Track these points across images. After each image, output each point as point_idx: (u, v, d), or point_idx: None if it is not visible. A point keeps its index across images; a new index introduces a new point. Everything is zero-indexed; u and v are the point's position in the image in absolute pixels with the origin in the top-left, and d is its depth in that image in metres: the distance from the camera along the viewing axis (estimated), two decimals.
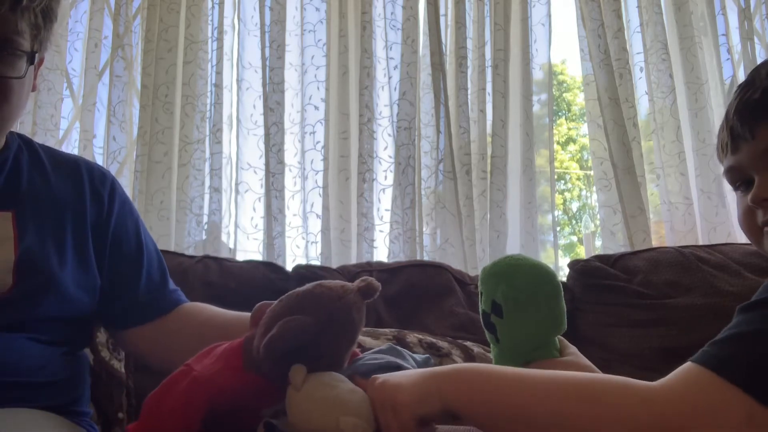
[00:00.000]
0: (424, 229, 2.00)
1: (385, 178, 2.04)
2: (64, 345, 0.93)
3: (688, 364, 0.62)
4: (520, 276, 0.85)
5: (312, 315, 0.71)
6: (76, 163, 1.04)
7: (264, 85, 1.99)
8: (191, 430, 0.70)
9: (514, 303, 0.84)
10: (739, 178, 0.76)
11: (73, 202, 0.98)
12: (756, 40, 2.11)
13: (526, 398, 0.64)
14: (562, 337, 0.91)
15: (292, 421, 0.69)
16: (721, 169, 0.79)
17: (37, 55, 0.90)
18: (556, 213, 2.17)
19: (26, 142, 1.00)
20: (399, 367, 0.78)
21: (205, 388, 0.71)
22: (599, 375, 0.66)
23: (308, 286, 0.76)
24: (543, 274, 0.87)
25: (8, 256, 0.87)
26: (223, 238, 1.98)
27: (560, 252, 2.45)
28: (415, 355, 0.86)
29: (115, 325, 1.04)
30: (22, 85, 0.88)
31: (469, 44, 2.07)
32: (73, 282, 0.93)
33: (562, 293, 0.88)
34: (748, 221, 0.75)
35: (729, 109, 0.76)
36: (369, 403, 0.69)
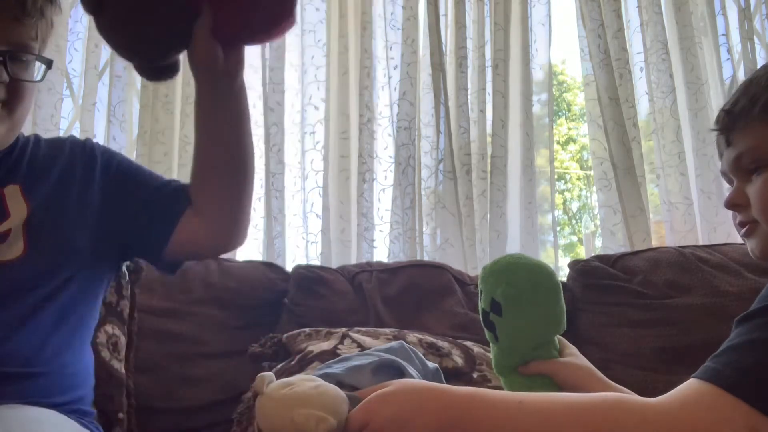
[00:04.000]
0: (424, 229, 2.00)
1: (385, 178, 2.04)
2: (77, 325, 0.96)
3: (688, 380, 0.62)
4: (520, 274, 0.85)
5: None
6: (60, 140, 1.09)
7: (264, 85, 1.99)
8: None
9: (514, 301, 0.84)
10: (729, 181, 0.79)
11: (70, 170, 1.02)
12: (756, 40, 2.11)
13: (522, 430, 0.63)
14: (561, 337, 0.91)
15: (259, 426, 0.68)
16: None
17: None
18: (556, 213, 2.17)
19: (28, 138, 1.05)
20: (399, 369, 0.77)
21: None
22: (594, 397, 0.65)
23: None
24: (543, 273, 0.87)
25: (21, 223, 0.92)
26: None
27: (560, 252, 2.45)
28: (428, 363, 0.86)
29: (166, 231, 1.02)
30: (35, 88, 0.96)
31: (469, 44, 2.07)
32: (83, 240, 0.97)
33: (562, 293, 0.88)
34: (735, 221, 0.79)
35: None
36: (338, 398, 0.68)
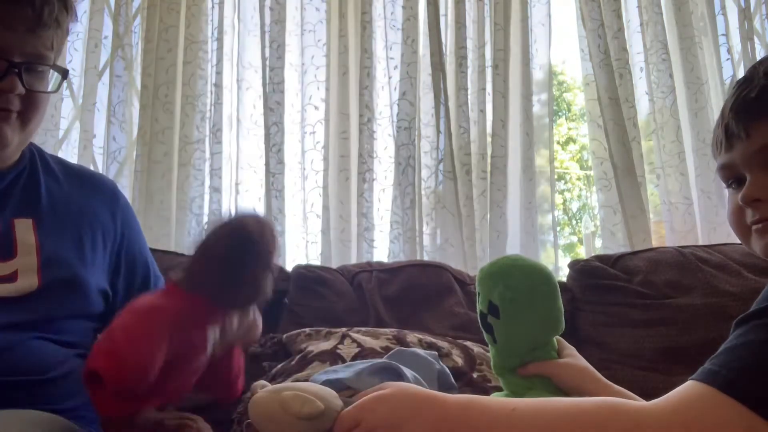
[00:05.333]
0: (424, 229, 2.00)
1: (385, 178, 2.04)
2: (78, 347, 0.96)
3: (686, 383, 0.61)
4: (517, 276, 0.85)
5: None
6: (85, 173, 1.09)
7: (264, 85, 1.99)
8: (157, 356, 0.69)
9: (511, 304, 0.84)
10: (731, 176, 0.75)
11: (87, 209, 1.02)
12: (756, 40, 2.11)
13: None
14: (560, 338, 0.91)
15: (251, 420, 0.70)
16: None
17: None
18: (556, 213, 2.17)
19: (38, 152, 1.04)
20: (397, 372, 0.77)
21: (164, 312, 0.72)
22: (588, 403, 0.64)
23: None
24: (540, 275, 0.86)
25: (32, 260, 0.91)
26: None
27: (560, 252, 2.44)
28: (435, 364, 0.86)
29: None
30: (49, 97, 0.95)
31: (469, 44, 2.07)
32: (93, 282, 0.97)
33: (560, 293, 0.88)
34: (738, 219, 0.75)
35: (725, 106, 0.75)
36: (329, 391, 0.69)
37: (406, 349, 0.95)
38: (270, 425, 0.67)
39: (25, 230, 0.93)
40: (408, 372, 0.85)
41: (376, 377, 0.78)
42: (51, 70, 0.93)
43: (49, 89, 0.95)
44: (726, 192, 0.79)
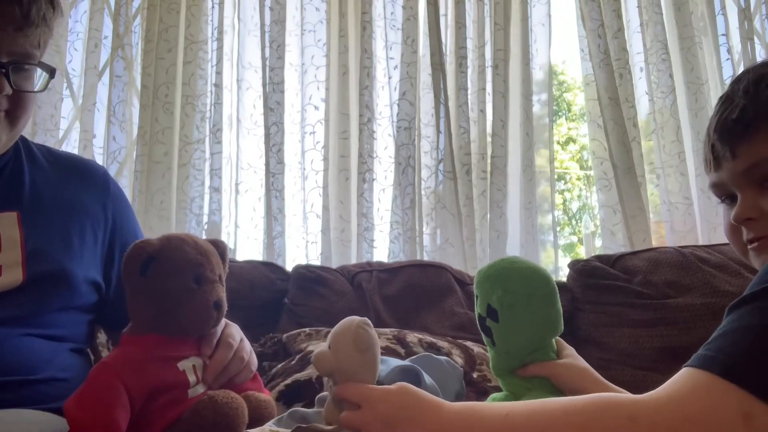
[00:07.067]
0: (424, 229, 2.00)
1: (385, 178, 2.04)
2: (69, 341, 0.95)
3: (681, 371, 0.60)
4: (515, 280, 0.84)
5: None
6: (74, 162, 1.08)
7: (264, 85, 2.00)
8: (120, 411, 0.72)
9: (510, 307, 0.84)
10: (723, 193, 0.76)
11: (75, 201, 1.01)
12: (756, 40, 2.11)
13: None
14: (559, 338, 0.91)
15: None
16: None
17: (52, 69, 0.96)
18: (556, 213, 2.17)
19: (24, 143, 1.02)
20: (417, 375, 0.78)
21: (113, 367, 0.75)
22: (580, 399, 0.63)
23: None
24: (538, 277, 0.86)
25: (16, 254, 0.90)
26: (223, 238, 1.98)
27: (560, 252, 2.45)
28: (458, 368, 0.88)
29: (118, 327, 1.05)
30: (36, 95, 0.95)
31: (469, 44, 2.07)
32: (81, 275, 0.96)
33: (558, 296, 0.87)
34: (734, 237, 0.76)
35: (710, 126, 0.75)
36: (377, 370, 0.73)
37: (432, 356, 0.96)
38: (337, 336, 0.74)
39: (9, 224, 0.92)
40: (428, 379, 0.85)
41: (397, 378, 0.79)
42: (38, 68, 0.93)
43: (36, 88, 0.95)
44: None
